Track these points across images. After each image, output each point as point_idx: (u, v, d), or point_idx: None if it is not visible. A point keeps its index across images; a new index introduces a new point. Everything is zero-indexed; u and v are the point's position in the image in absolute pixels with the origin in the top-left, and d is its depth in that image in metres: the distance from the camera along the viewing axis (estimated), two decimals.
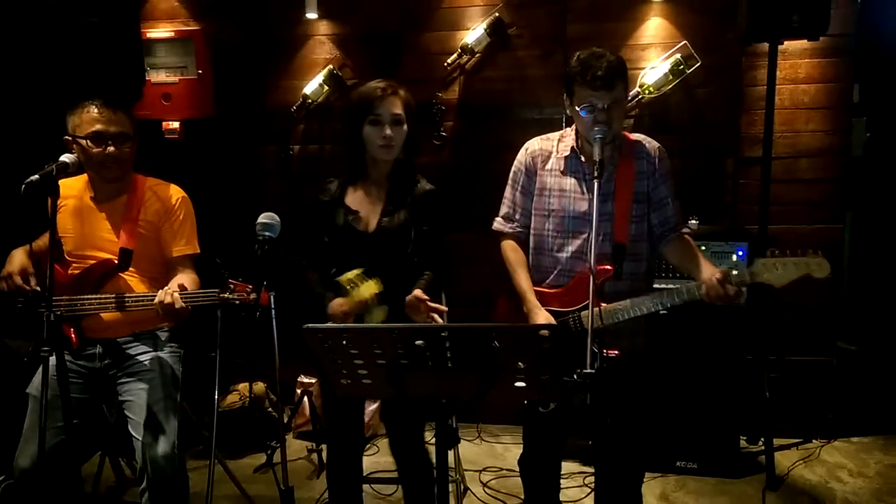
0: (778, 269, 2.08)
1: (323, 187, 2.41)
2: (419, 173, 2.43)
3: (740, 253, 3.28)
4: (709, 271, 2.14)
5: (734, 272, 2.11)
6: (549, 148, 2.36)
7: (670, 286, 2.22)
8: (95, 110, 2.36)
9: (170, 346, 2.55)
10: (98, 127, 2.35)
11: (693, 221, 3.45)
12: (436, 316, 2.16)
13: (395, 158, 2.33)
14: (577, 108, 2.17)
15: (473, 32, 3.75)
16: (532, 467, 2.53)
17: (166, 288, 2.28)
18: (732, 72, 3.63)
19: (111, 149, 2.36)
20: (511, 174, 2.43)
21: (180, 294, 2.26)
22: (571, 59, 2.20)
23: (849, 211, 3.80)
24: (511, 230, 2.42)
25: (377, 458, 3.56)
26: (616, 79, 2.14)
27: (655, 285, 2.68)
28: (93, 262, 2.43)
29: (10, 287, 2.40)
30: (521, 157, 2.40)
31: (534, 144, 2.40)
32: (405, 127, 2.30)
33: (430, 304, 2.17)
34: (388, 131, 2.25)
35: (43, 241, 2.51)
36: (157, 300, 2.25)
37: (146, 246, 2.46)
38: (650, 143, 2.33)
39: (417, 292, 2.20)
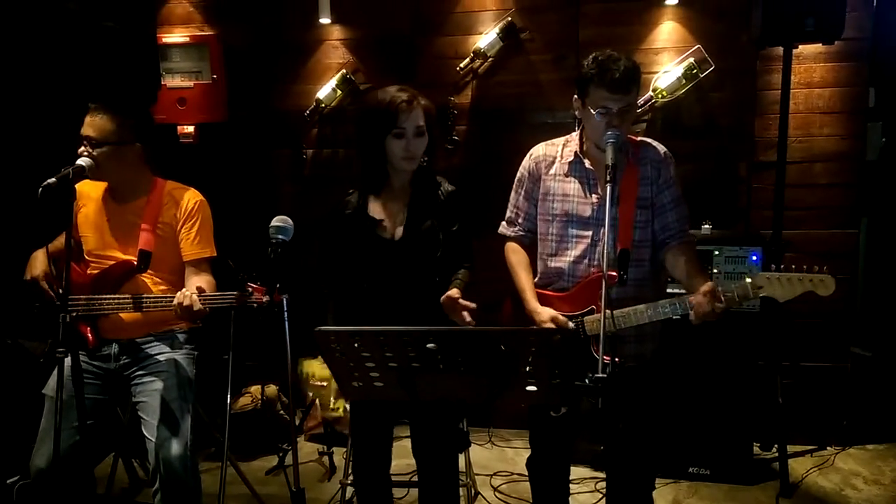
0: (782, 284, 2.06)
1: (344, 201, 2.37)
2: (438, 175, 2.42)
3: (754, 258, 3.26)
4: (700, 287, 2.09)
5: (733, 285, 2.09)
6: (554, 153, 2.36)
7: (679, 291, 2.20)
8: (88, 114, 2.40)
9: (184, 348, 2.57)
10: (81, 131, 2.38)
11: (707, 226, 3.44)
12: (466, 315, 2.13)
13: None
14: (591, 111, 2.16)
15: (486, 37, 3.76)
16: (540, 470, 2.52)
17: (185, 290, 2.29)
18: (746, 76, 3.62)
19: (80, 149, 2.37)
20: (516, 179, 2.43)
21: (211, 297, 2.28)
22: (586, 61, 2.19)
23: (864, 216, 3.76)
24: (513, 234, 2.44)
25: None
26: (632, 83, 2.14)
27: (668, 290, 2.67)
28: (112, 262, 2.45)
29: (36, 290, 2.44)
30: (526, 162, 2.41)
31: (538, 150, 2.40)
32: (426, 137, 2.28)
33: (461, 301, 2.14)
34: (413, 145, 2.23)
35: (60, 241, 2.54)
36: (175, 301, 2.27)
37: (164, 248, 2.48)
38: (657, 148, 2.33)
39: (451, 292, 2.18)
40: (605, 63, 2.12)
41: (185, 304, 2.25)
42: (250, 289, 2.29)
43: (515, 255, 2.41)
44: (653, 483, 2.46)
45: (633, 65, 2.15)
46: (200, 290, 2.30)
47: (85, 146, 2.36)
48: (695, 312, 2.07)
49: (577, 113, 2.28)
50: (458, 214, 2.36)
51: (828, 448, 3.63)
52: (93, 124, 2.37)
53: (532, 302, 2.30)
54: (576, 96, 2.25)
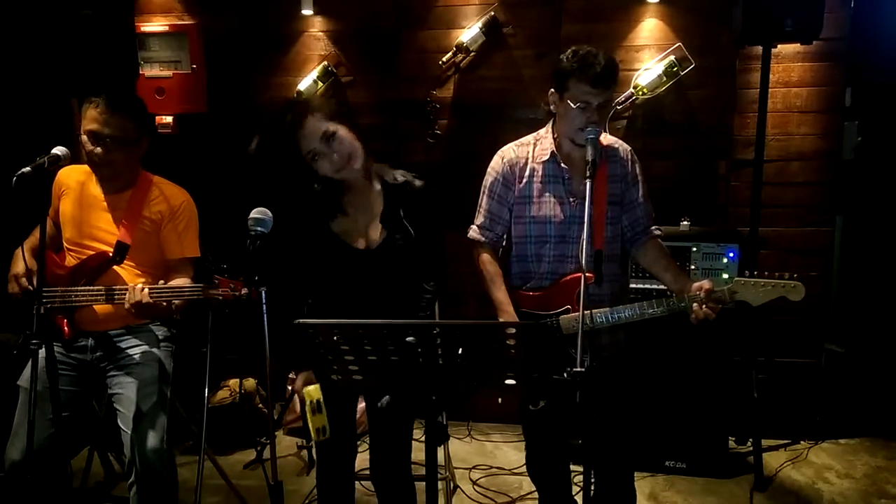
0: (756, 290, 2.14)
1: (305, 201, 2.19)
2: (399, 167, 2.23)
3: (731, 254, 3.30)
4: (693, 287, 2.15)
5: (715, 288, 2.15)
6: (525, 154, 2.35)
7: (648, 286, 2.24)
8: (96, 109, 2.33)
9: (162, 341, 2.54)
10: (94, 126, 2.33)
11: (685, 223, 3.47)
12: None
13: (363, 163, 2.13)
14: (570, 105, 2.17)
15: (469, 31, 3.76)
16: (538, 468, 2.53)
17: (135, 284, 2.27)
18: (726, 74, 3.65)
19: (98, 150, 2.34)
20: (486, 183, 2.39)
21: (169, 290, 2.26)
22: (565, 55, 2.19)
23: (839, 214, 3.82)
24: (486, 240, 2.40)
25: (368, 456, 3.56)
26: (613, 78, 2.17)
27: (632, 285, 2.68)
28: (91, 252, 2.42)
29: (18, 289, 2.41)
30: (497, 165, 2.37)
31: (509, 153, 2.37)
32: (340, 132, 2.05)
33: None
34: (334, 155, 2.03)
35: (36, 236, 2.50)
36: (126, 297, 2.24)
37: (145, 242, 2.46)
38: (622, 146, 2.36)
39: None
40: (586, 58, 2.13)
41: (133, 298, 2.22)
42: (216, 281, 2.27)
43: (492, 266, 2.37)
44: (632, 472, 2.49)
45: (613, 60, 2.18)
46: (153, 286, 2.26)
47: (100, 146, 2.32)
48: (701, 311, 2.13)
49: (551, 107, 2.27)
50: (428, 217, 2.21)
51: (801, 442, 3.68)
52: (113, 124, 2.33)
53: (509, 315, 2.28)
54: (552, 90, 2.24)
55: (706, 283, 2.12)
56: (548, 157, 2.30)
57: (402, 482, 2.41)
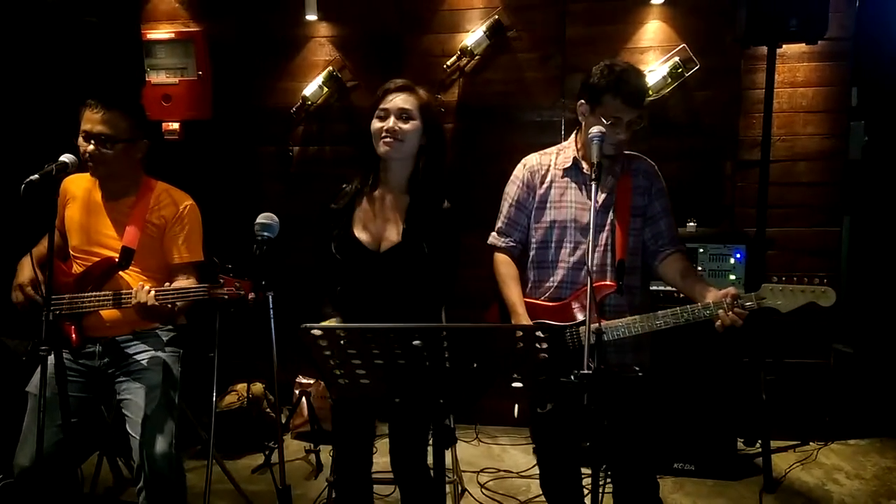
0: (785, 296, 2.11)
1: (336, 194, 2.31)
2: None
3: (738, 255, 3.29)
4: (718, 294, 2.12)
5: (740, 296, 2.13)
6: (548, 162, 2.37)
7: (658, 287, 2.21)
8: (89, 109, 2.36)
9: (169, 346, 2.55)
10: (87, 126, 2.35)
11: (691, 224, 3.47)
12: None
13: (410, 165, 2.23)
14: (602, 119, 2.17)
15: (473, 35, 3.76)
16: (550, 478, 2.51)
17: (143, 286, 2.28)
18: (731, 75, 3.64)
19: (90, 147, 2.35)
20: (507, 189, 2.41)
21: (175, 292, 2.27)
22: (599, 69, 2.20)
23: (846, 214, 3.81)
24: (504, 244, 2.41)
25: (376, 458, 3.56)
26: (646, 96, 2.21)
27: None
28: (96, 258, 2.44)
29: (23, 298, 2.42)
30: (519, 172, 2.39)
31: (532, 159, 2.40)
32: (416, 124, 2.17)
33: None
34: (391, 123, 2.15)
35: (43, 246, 2.52)
36: (132, 299, 2.25)
37: (150, 247, 2.47)
38: (646, 161, 2.37)
39: None
40: (622, 75, 2.16)
41: (140, 300, 2.23)
42: (221, 280, 2.27)
43: (506, 268, 2.38)
44: (656, 483, 2.45)
45: (644, 78, 2.23)
46: (158, 288, 2.27)
47: (92, 143, 2.33)
48: (727, 320, 2.10)
49: (580, 118, 2.29)
50: (450, 239, 2.24)
51: (810, 443, 3.67)
52: (103, 121, 2.34)
53: (521, 315, 2.29)
54: (583, 101, 2.24)
55: (732, 290, 2.11)
56: (570, 163, 2.32)
57: (424, 479, 2.40)
